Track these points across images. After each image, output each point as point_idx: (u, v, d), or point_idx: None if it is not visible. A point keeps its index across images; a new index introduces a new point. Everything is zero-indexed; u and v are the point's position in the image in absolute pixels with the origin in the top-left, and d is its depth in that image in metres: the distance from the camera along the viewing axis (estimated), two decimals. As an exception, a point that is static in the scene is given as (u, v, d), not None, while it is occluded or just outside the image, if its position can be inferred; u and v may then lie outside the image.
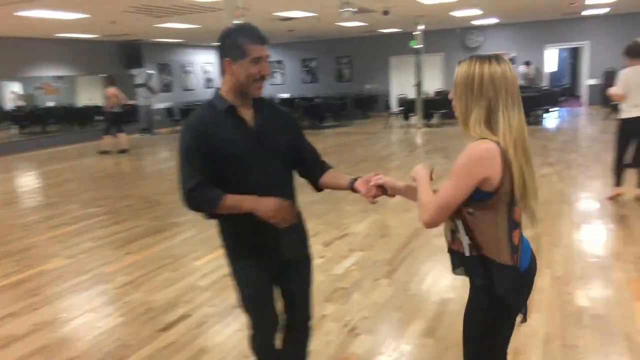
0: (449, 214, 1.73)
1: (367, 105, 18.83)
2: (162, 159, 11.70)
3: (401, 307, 3.63)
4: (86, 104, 15.66)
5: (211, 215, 2.15)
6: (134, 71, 16.62)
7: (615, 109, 6.35)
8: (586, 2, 12.79)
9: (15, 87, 14.54)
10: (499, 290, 1.75)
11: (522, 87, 15.86)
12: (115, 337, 3.43)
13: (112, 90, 12.31)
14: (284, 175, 2.23)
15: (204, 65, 20.00)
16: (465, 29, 18.08)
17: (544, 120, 14.22)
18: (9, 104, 14.51)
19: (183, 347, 3.24)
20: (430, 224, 1.74)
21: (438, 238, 5.05)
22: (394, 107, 16.93)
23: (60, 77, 14.98)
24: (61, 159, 12.36)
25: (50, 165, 11.62)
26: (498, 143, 1.68)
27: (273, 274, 2.27)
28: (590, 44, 16.56)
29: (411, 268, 4.34)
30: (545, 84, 17.11)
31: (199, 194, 2.06)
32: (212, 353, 3.17)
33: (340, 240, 5.18)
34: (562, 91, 17.04)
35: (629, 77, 5.67)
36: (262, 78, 2.06)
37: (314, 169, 2.30)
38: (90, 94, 15.53)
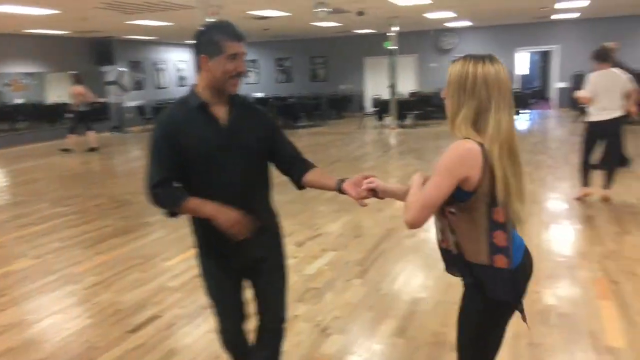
0: (432, 212, 1.71)
1: (342, 106, 18.87)
2: (133, 158, 11.54)
3: (373, 307, 3.65)
4: (56, 101, 15.36)
5: (172, 213, 2.14)
6: (105, 68, 16.37)
7: (583, 111, 6.49)
8: (556, 7, 13.03)
9: (-18, 83, 14.19)
10: (486, 290, 1.77)
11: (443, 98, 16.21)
12: (84, 339, 3.38)
13: (78, 88, 12.06)
14: (257, 174, 2.21)
15: (177, 63, 19.80)
16: (439, 31, 18.26)
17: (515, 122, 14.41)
18: (-24, 101, 14.15)
19: (152, 349, 3.20)
20: (413, 223, 1.71)
21: (410, 238, 5.09)
22: (368, 107, 17.00)
23: (29, 74, 14.66)
24: (30, 157, 12.10)
25: (19, 163, 11.37)
26: (481, 144, 1.68)
27: (242, 272, 2.28)
28: (561, 47, 16.88)
29: (383, 268, 4.36)
30: (516, 86, 17.38)
31: (163, 191, 2.07)
32: (182, 354, 3.13)
33: (313, 240, 5.18)
34: (532, 94, 17.32)
35: (596, 80, 5.79)
36: (238, 75, 2.04)
37: (295, 167, 2.26)
38: (59, 91, 15.22)
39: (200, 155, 2.06)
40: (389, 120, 15.07)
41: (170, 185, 2.08)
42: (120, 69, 16.60)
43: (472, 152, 1.66)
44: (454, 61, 1.80)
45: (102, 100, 14.88)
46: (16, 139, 14.26)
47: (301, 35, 18.52)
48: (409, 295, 3.82)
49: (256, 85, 20.95)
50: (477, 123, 1.71)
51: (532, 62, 21.40)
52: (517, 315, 1.86)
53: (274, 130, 2.25)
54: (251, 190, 2.16)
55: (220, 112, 2.09)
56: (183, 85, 19.58)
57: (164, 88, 19.05)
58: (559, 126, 13.43)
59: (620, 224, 5.18)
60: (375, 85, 18.78)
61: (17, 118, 14.78)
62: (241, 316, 2.36)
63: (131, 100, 17.31)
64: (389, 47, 14.81)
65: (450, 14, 13.94)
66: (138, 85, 17.99)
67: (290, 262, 4.54)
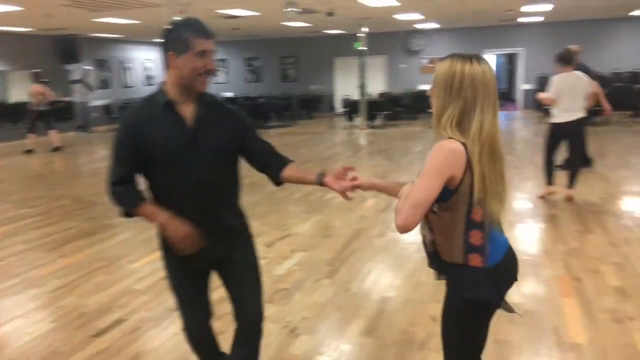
0: (423, 213, 1.69)
1: (312, 106, 18.88)
2: (98, 158, 11.32)
3: (342, 307, 3.66)
4: (19, 100, 14.97)
5: (128, 213, 2.12)
6: (70, 67, 16.02)
7: (547, 113, 6.63)
8: (522, 10, 13.28)
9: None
10: (461, 290, 1.79)
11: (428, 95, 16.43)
12: (47, 344, 3.30)
13: (37, 87, 11.76)
14: (225, 174, 2.18)
15: (144, 62, 19.51)
16: (408, 33, 18.42)
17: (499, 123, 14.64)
18: None
19: (118, 353, 3.15)
20: (405, 226, 1.68)
21: (380, 238, 5.12)
22: (339, 108, 17.05)
23: (-10, 72, 14.28)
24: (-9, 157, 11.78)
25: (-21, 163, 11.06)
26: (464, 144, 1.69)
27: (207, 271, 2.28)
28: (526, 50, 17.21)
29: (353, 268, 4.38)
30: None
31: (121, 190, 2.08)
32: (148, 358, 3.09)
33: (283, 241, 5.16)
34: (499, 95, 17.60)
35: (560, 83, 5.92)
36: (207, 72, 2.01)
37: (272, 164, 2.24)
38: (23, 90, 14.85)
39: (164, 155, 2.03)
40: (358, 120, 15.14)
41: (129, 184, 2.08)
42: (85, 67, 16.27)
43: (456, 151, 1.67)
44: (441, 60, 1.79)
45: (63, 99, 14.57)
46: (-23, 138, 13.87)
47: (271, 34, 18.46)
48: (377, 294, 3.84)
49: (225, 85, 20.79)
50: (462, 123, 1.72)
51: (498, 64, 21.76)
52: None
53: (245, 129, 2.21)
54: (218, 190, 2.14)
55: (188, 111, 2.06)
56: (150, 84, 19.30)
57: (130, 87, 18.75)
58: (524, 127, 13.69)
59: (583, 223, 5.30)
60: (345, 86, 18.84)
61: (-22, 117, 14.38)
62: (206, 314, 2.35)
63: (97, 100, 17.00)
64: (359, 48, 14.88)
65: (418, 16, 14.07)
66: (104, 84, 17.67)
67: (260, 263, 4.51)
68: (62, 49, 15.68)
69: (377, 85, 18.26)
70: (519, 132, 12.96)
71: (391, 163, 9.00)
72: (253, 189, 7.33)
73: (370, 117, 15.16)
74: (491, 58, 19.07)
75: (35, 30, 13.92)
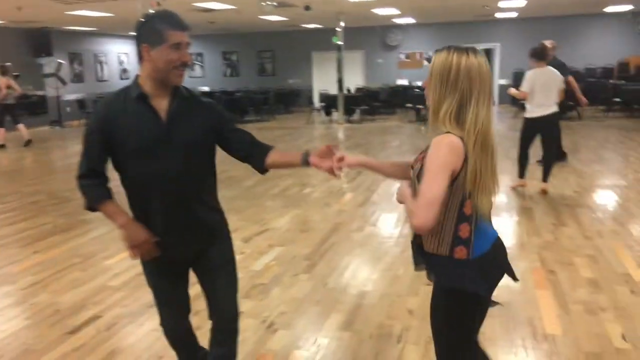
0: (438, 210, 1.68)
1: (290, 100, 18.82)
2: (72, 153, 11.14)
3: (320, 302, 3.66)
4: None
5: (91, 208, 2.11)
6: (43, 60, 15.72)
7: (523, 108, 6.72)
8: (500, 5, 13.40)
9: None
10: (442, 280, 1.80)
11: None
12: (20, 342, 3.24)
13: (3, 80, 11.53)
14: (199, 168, 2.14)
15: (119, 55, 19.24)
16: (385, 28, 18.46)
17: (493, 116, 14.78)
18: None
19: (93, 350, 3.10)
20: (423, 226, 1.67)
21: (358, 232, 5.14)
22: (317, 102, 17.02)
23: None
24: (-39, 153, 11.52)
25: (-52, 159, 10.80)
26: (461, 138, 1.69)
27: (183, 267, 2.25)
28: (501, 45, 17.39)
29: (331, 262, 4.38)
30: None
31: (86, 184, 2.08)
32: (124, 354, 3.05)
33: (260, 235, 5.14)
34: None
35: (534, 78, 6.01)
36: (183, 65, 1.98)
37: (254, 152, 2.21)
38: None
39: (137, 149, 2.00)
40: (336, 115, 15.14)
41: (96, 179, 2.07)
42: (58, 60, 15.97)
43: (455, 146, 1.68)
44: (437, 51, 1.79)
45: (36, 93, 14.29)
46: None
47: (248, 28, 18.33)
48: (355, 288, 3.85)
49: (202, 79, 20.61)
50: (459, 116, 1.72)
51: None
52: None
53: (221, 121, 2.17)
54: (192, 185, 2.10)
55: (162, 104, 2.03)
56: (125, 78, 19.04)
57: (105, 81, 18.47)
58: (500, 122, 13.84)
59: (557, 216, 5.39)
60: (322, 80, 18.83)
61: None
62: (183, 312, 2.33)
63: (71, 94, 16.71)
64: (336, 42, 14.86)
65: (395, 11, 14.11)
66: (78, 78, 17.38)
67: (237, 258, 4.45)
68: (35, 42, 15.38)
69: (354, 80, 18.28)
70: (495, 126, 13.08)
71: (368, 157, 9.01)
72: (231, 184, 7.29)
73: (348, 111, 15.18)
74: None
75: (6, 22, 13.63)
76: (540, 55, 6.07)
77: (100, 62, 18.42)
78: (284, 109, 18.62)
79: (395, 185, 7.06)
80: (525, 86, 6.04)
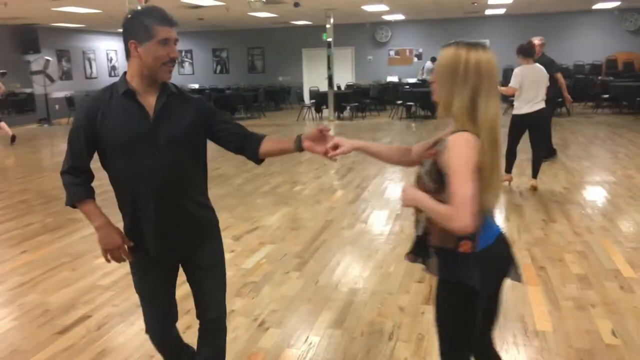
0: (474, 208, 1.65)
1: (280, 97, 18.80)
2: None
3: (311, 299, 3.65)
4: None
5: (72, 205, 2.11)
6: (30, 57, 15.58)
7: (511, 104, 6.75)
8: (488, 2, 13.44)
9: None
10: (446, 274, 1.80)
11: (429, 83, 16.67)
12: (9, 343, 3.20)
13: None
14: (187, 165, 2.10)
15: (108, 52, 19.10)
16: (375, 24, 18.47)
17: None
18: None
19: (83, 350, 3.08)
20: (466, 227, 1.64)
21: (349, 230, 5.13)
22: (307, 99, 17.00)
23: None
24: (-53, 151, 11.39)
25: None
26: (476, 134, 1.69)
27: (171, 267, 2.21)
28: (490, 42, 17.42)
29: (322, 260, 4.37)
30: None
31: (68, 181, 2.08)
32: (115, 354, 3.03)
33: (251, 233, 5.13)
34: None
35: (522, 74, 6.04)
36: (171, 61, 1.96)
37: (247, 143, 2.18)
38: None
39: (124, 144, 1.98)
40: (326, 112, 15.13)
41: (79, 176, 2.07)
42: (46, 57, 15.83)
43: (472, 142, 1.68)
44: (445, 46, 1.78)
45: (24, 91, 14.13)
46: None
47: (238, 25, 18.28)
48: (346, 286, 3.85)
49: (191, 76, 20.53)
50: (472, 111, 1.71)
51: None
52: None
53: (210, 115, 2.14)
54: (180, 182, 2.07)
55: (150, 100, 2.01)
56: (115, 75, 18.92)
57: (94, 78, 18.35)
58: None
59: (546, 212, 5.41)
60: (312, 77, 18.81)
61: None
62: (170, 319, 2.28)
63: (59, 91, 16.58)
64: (326, 39, 14.85)
65: (384, 7, 14.11)
66: (66, 75, 17.25)
67: (228, 256, 4.44)
68: (22, 39, 15.24)
69: (344, 77, 18.29)
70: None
71: (358, 154, 8.99)
72: (221, 182, 7.26)
73: (339, 108, 15.17)
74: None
75: (-8, 19, 13.49)
76: (527, 52, 6.10)
77: (89, 59, 18.29)
78: (274, 106, 18.59)
79: (386, 179, 7.05)
80: (514, 82, 6.07)
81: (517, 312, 3.33)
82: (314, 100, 15.78)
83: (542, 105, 6.08)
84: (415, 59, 18.69)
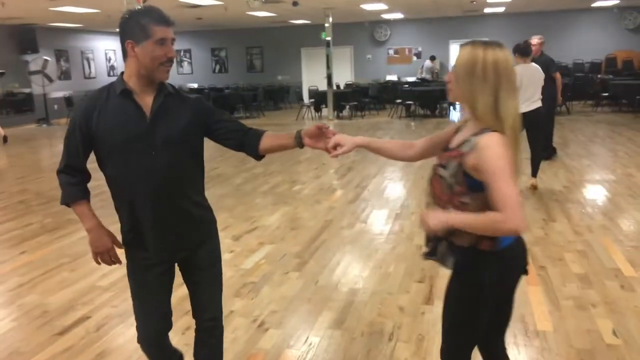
0: (522, 206, 1.65)
1: (279, 97, 18.78)
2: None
3: (310, 300, 3.64)
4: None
5: (66, 205, 2.12)
6: (28, 57, 15.56)
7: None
8: (488, 0, 13.43)
9: None
10: (481, 276, 1.77)
11: (428, 81, 16.61)
12: (7, 344, 3.19)
13: None
14: (184, 165, 2.09)
15: (106, 52, 19.08)
16: (374, 23, 18.45)
17: (450, 112, 14.83)
18: None
19: (82, 351, 3.07)
20: (522, 226, 1.63)
21: (348, 229, 5.12)
22: (306, 98, 16.98)
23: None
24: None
25: None
26: (502, 133, 1.69)
27: (168, 269, 2.17)
28: (490, 40, 17.42)
29: (321, 260, 4.36)
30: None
31: (64, 180, 2.09)
32: (114, 355, 3.02)
33: (250, 233, 5.11)
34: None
35: (521, 73, 6.01)
36: (169, 61, 1.95)
37: (246, 140, 2.16)
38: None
39: (120, 144, 1.97)
40: (326, 111, 15.12)
41: (74, 176, 2.08)
42: (45, 57, 15.80)
43: (503, 141, 1.67)
44: (462, 45, 1.77)
45: (22, 91, 14.08)
46: None
47: (236, 24, 18.26)
48: (346, 286, 3.84)
49: (190, 75, 20.51)
50: (497, 110, 1.70)
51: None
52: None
53: (207, 114, 2.13)
54: (177, 182, 2.06)
55: (147, 100, 2.00)
56: (113, 75, 18.90)
57: (92, 78, 18.33)
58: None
59: (546, 212, 5.40)
60: (312, 77, 18.80)
61: None
62: (164, 326, 2.23)
63: (58, 91, 16.56)
64: (325, 38, 14.84)
65: (382, 6, 14.09)
66: (65, 75, 17.22)
67: (227, 256, 4.47)
68: (20, 39, 15.22)
69: (343, 76, 18.27)
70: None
71: (358, 154, 9.01)
72: (220, 181, 7.25)
73: (338, 107, 15.16)
74: (456, 49, 19.28)
75: (-10, 19, 13.47)
76: (524, 51, 6.11)
77: (88, 59, 18.27)
78: (273, 106, 18.58)
79: (386, 179, 7.03)
80: (514, 81, 6.06)
81: (518, 312, 3.32)
82: (313, 100, 15.76)
83: (539, 104, 6.07)
84: (415, 58, 18.68)
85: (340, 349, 3.00)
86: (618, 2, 15.09)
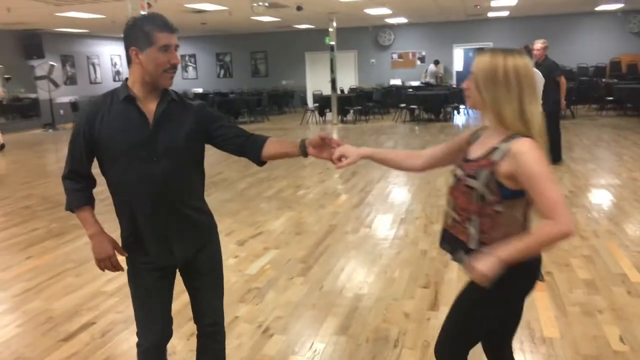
0: (567, 206, 1.66)
1: (283, 101, 18.80)
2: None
3: (315, 305, 3.63)
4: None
5: (70, 210, 2.13)
6: (34, 62, 15.63)
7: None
8: (491, 5, 13.42)
9: None
10: (505, 289, 1.76)
11: (432, 85, 16.59)
12: (12, 350, 3.19)
13: None
14: (186, 171, 2.09)
15: (112, 57, 19.16)
16: (378, 27, 18.47)
17: (454, 117, 14.81)
18: None
19: (86, 358, 3.06)
20: (572, 228, 1.63)
21: (353, 234, 5.11)
22: (310, 103, 16.99)
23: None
24: (-48, 157, 11.43)
25: (-61, 163, 10.71)
26: (532, 137, 1.69)
27: (169, 274, 2.17)
28: (493, 45, 17.40)
29: (326, 265, 4.35)
30: (454, 82, 17.80)
31: (68, 186, 2.10)
32: (119, 362, 3.02)
33: (255, 238, 5.11)
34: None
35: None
36: (173, 67, 1.96)
37: (249, 145, 2.14)
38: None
39: (123, 150, 1.98)
40: (330, 116, 15.12)
41: (78, 182, 2.10)
42: (50, 63, 15.88)
43: (537, 147, 1.67)
44: (480, 53, 1.76)
45: (29, 96, 14.17)
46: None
47: (241, 29, 18.31)
48: (351, 291, 3.83)
49: (195, 80, 20.57)
50: (523, 116, 1.70)
51: (466, 59, 21.97)
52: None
53: (211, 122, 2.12)
54: (178, 188, 2.06)
55: (150, 107, 2.00)
56: (119, 80, 18.97)
57: (98, 83, 18.41)
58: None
59: (552, 216, 5.37)
60: (316, 81, 18.82)
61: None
62: (164, 336, 2.21)
63: (63, 96, 16.62)
64: (329, 43, 14.86)
65: (386, 11, 14.10)
66: (71, 80, 17.30)
67: (232, 261, 4.47)
68: (26, 45, 15.31)
69: (348, 80, 18.28)
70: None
71: (369, 148, 8.99)
72: (225, 186, 7.26)
73: (342, 112, 15.17)
74: (459, 53, 19.27)
75: (-4, 25, 13.55)
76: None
77: (93, 64, 18.35)
78: (278, 110, 18.60)
79: (390, 183, 7.02)
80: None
81: (524, 318, 3.27)
82: (317, 104, 15.77)
83: (540, 108, 6.05)
84: (418, 62, 18.68)
85: (346, 355, 2.99)
86: (622, 5, 15.06)
